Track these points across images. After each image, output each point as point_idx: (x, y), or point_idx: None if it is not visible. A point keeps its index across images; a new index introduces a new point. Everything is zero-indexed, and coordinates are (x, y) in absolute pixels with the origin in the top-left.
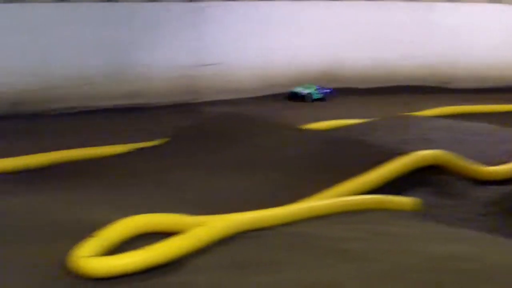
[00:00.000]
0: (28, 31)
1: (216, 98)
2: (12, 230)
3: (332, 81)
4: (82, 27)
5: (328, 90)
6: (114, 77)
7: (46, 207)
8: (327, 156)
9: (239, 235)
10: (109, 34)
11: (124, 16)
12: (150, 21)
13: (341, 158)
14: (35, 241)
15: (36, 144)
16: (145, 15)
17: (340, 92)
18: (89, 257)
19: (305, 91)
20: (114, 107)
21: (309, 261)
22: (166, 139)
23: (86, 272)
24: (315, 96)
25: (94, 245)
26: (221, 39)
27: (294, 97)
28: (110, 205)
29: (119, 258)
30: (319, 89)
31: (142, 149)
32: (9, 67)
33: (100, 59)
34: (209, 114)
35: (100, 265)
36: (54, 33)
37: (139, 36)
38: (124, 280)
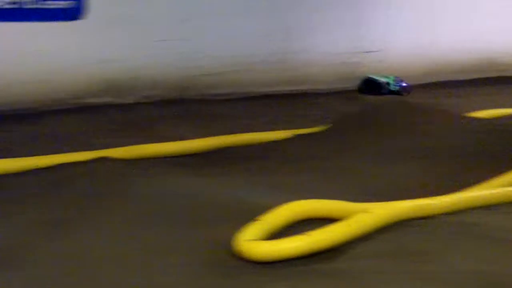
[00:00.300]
0: (199, 17)
1: None
2: (178, 212)
3: (493, 70)
4: (250, 13)
5: (405, 84)
6: (276, 63)
7: (210, 191)
8: (491, 145)
9: (401, 223)
10: (274, 20)
11: (289, 1)
12: (314, 5)
13: (506, 147)
14: (200, 223)
15: (201, 128)
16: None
17: (504, 81)
18: (253, 241)
19: (381, 79)
20: (275, 93)
21: (472, 250)
22: (326, 126)
23: (249, 255)
24: (392, 88)
25: (258, 229)
26: (383, 25)
27: (370, 84)
28: (272, 189)
29: (282, 242)
30: (401, 82)
31: (302, 135)
32: (178, 53)
33: (263, 45)
34: (369, 101)
35: (263, 249)
36: (225, 19)
37: (302, 22)
38: (285, 265)
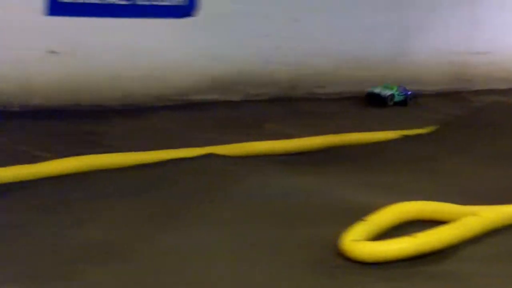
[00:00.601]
0: (309, 15)
1: (486, 87)
2: (284, 211)
3: None
4: (361, 12)
5: (409, 92)
6: (384, 62)
7: (317, 190)
8: None
9: (510, 226)
10: (384, 19)
11: (402, 0)
12: (427, 4)
13: None
14: (306, 222)
15: (308, 127)
16: None
17: None
18: (358, 241)
19: (385, 92)
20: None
21: None
22: (435, 127)
23: (354, 255)
24: (397, 99)
25: (364, 229)
26: (495, 27)
27: (373, 98)
28: (380, 190)
29: (388, 243)
30: (405, 91)
31: (410, 136)
32: (287, 51)
33: (372, 44)
34: (479, 103)
35: (368, 250)
36: (335, 18)
37: (413, 21)
38: (391, 266)
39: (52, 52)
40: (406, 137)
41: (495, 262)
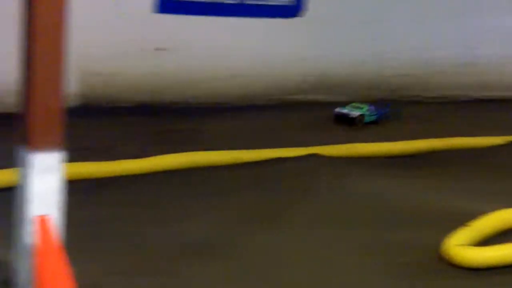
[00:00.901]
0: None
1: None
2: (383, 213)
3: None
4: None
5: (384, 111)
6: (489, 67)
7: (421, 193)
8: None
9: None
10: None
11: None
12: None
13: None
14: (408, 225)
15: (413, 130)
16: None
17: None
18: (461, 246)
19: (354, 112)
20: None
21: None
22: None
23: (458, 260)
24: (367, 119)
25: (467, 235)
26: None
27: (342, 119)
28: (482, 196)
29: (492, 250)
30: (377, 110)
31: None
32: (394, 54)
33: (476, 48)
34: None
35: (472, 255)
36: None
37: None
38: (493, 272)
39: (159, 49)
40: (510, 143)
41: None
